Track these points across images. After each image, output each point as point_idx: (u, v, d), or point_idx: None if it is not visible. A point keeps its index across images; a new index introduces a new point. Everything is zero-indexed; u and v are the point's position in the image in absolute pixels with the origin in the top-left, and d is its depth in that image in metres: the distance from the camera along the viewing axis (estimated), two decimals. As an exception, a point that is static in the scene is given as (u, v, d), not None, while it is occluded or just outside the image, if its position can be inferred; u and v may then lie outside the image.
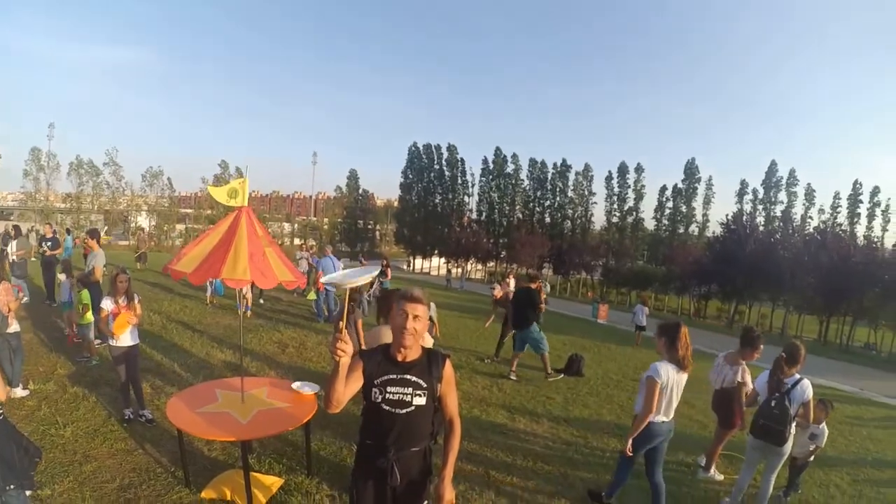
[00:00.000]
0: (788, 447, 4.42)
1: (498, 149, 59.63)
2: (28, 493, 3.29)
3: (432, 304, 5.73)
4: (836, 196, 48.54)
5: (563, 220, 58.58)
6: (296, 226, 73.26)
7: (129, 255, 21.89)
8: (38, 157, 49.01)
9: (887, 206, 46.26)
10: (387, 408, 2.52)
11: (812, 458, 5.21)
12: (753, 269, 36.51)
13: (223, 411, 4.13)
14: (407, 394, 2.53)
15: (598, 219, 58.56)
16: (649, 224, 56.53)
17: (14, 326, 5.97)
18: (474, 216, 61.97)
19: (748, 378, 5.06)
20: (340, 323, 2.34)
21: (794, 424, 4.37)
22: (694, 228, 54.72)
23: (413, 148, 62.28)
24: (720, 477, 5.59)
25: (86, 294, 7.42)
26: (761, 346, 5.09)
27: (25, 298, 6.75)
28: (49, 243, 11.66)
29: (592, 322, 22.07)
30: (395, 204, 69.02)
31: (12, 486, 3.07)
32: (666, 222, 55.21)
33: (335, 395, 2.38)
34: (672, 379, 4.10)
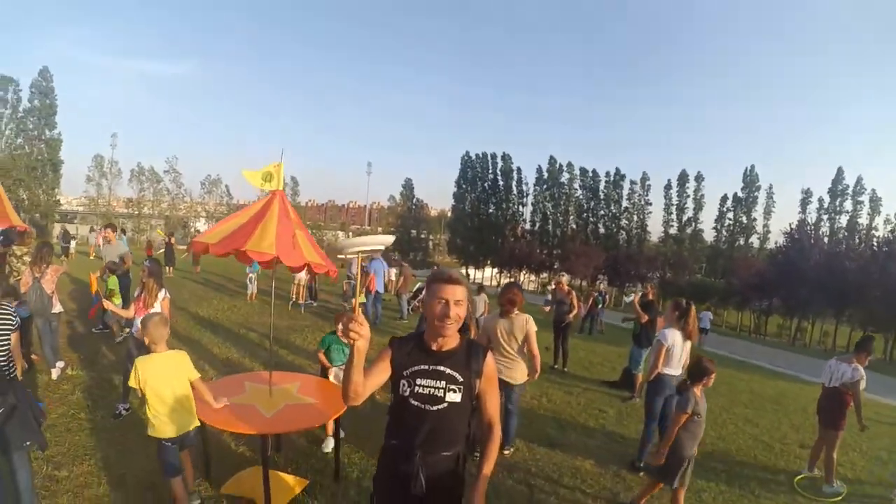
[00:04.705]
0: None
1: (552, 157, 58.85)
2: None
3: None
4: (903, 203, 45.33)
5: (617, 231, 57.08)
6: (350, 234, 74.38)
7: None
8: (101, 164, 51.55)
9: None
10: (415, 403, 2.18)
11: None
12: (818, 282, 34.52)
13: (248, 404, 3.92)
14: (439, 388, 2.18)
15: (656, 229, 56.83)
16: (708, 235, 54.42)
17: (57, 307, 6.17)
18: (528, 226, 61.20)
19: (863, 374, 5.36)
20: (354, 300, 2.03)
21: None
22: (754, 240, 52.29)
23: (466, 157, 62.23)
24: (844, 489, 5.48)
25: (113, 280, 7.77)
26: (873, 352, 5.66)
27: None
28: None
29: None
30: (449, 213, 68.81)
31: (27, 444, 3.25)
32: (725, 234, 52.98)
33: (352, 385, 2.04)
34: (678, 343, 5.11)
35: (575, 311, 9.99)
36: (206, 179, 57.71)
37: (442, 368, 2.20)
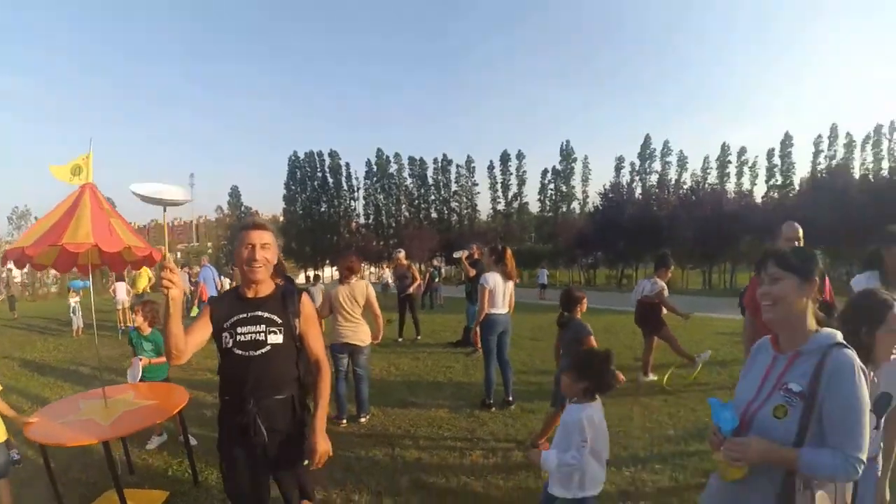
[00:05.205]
0: None
1: (379, 150, 59.29)
2: None
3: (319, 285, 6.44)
4: (706, 160, 51.81)
5: (449, 213, 59.40)
6: (178, 254, 68.72)
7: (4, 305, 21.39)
8: None
9: (754, 162, 50.12)
10: (239, 352, 2.24)
11: None
12: (634, 232, 39.11)
13: (84, 418, 3.70)
14: (260, 332, 2.26)
15: (485, 207, 59.98)
16: (534, 206, 58.44)
17: None
18: (362, 220, 61.30)
19: (663, 284, 6.65)
20: (164, 248, 2.07)
21: None
22: (575, 206, 57.16)
23: (293, 157, 60.36)
24: (654, 377, 6.76)
25: None
26: (672, 268, 7.01)
27: None
28: None
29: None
30: (281, 218, 66.51)
31: None
32: (549, 203, 57.27)
33: (171, 339, 2.06)
34: (499, 284, 5.57)
35: (417, 283, 10.40)
36: (12, 213, 50.02)
37: (260, 313, 2.28)
